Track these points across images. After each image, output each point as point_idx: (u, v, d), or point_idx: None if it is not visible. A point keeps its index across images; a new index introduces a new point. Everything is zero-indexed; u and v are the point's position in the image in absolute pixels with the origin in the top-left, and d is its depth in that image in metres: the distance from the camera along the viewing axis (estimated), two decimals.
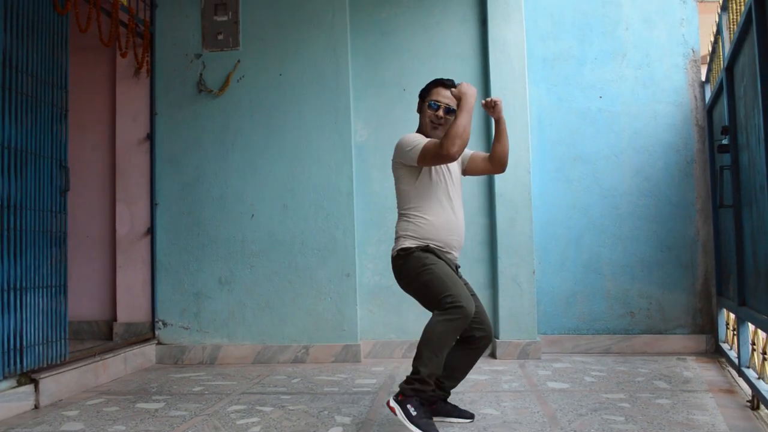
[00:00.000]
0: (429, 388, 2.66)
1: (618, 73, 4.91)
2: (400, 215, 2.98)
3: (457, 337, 2.72)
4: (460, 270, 3.00)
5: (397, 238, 2.94)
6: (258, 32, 4.86)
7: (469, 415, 2.96)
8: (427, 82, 3.04)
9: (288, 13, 4.84)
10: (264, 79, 4.83)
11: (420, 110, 3.03)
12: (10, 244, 3.28)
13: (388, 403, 2.69)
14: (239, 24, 4.85)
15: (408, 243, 2.86)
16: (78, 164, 4.87)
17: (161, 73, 4.93)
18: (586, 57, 4.94)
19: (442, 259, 2.83)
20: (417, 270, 2.79)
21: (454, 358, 2.90)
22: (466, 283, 2.92)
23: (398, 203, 3.01)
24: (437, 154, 2.73)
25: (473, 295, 2.90)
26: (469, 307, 2.62)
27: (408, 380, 2.67)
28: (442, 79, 3.00)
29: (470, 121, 2.73)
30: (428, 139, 2.85)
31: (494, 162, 3.07)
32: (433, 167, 2.90)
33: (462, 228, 2.97)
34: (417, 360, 2.65)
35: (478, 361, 4.40)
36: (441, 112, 2.92)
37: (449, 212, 2.91)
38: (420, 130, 3.01)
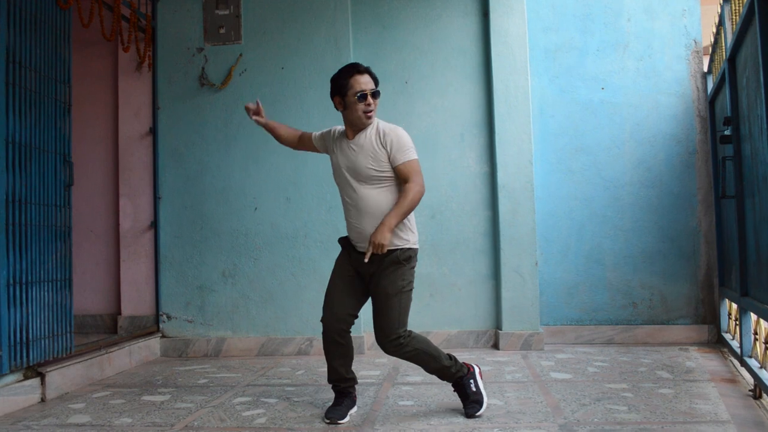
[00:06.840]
0: (336, 386, 3.06)
1: (620, 64, 4.90)
2: None
3: (336, 343, 2.99)
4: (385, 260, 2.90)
5: None
6: (260, 26, 4.85)
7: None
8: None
9: (290, 6, 4.83)
10: (266, 73, 4.83)
11: (343, 106, 2.96)
12: (15, 238, 3.30)
13: None
14: (241, 18, 4.85)
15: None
16: (81, 159, 4.85)
17: (163, 68, 4.93)
18: (588, 48, 4.94)
19: (353, 256, 3.01)
20: None
21: None
22: (371, 278, 2.96)
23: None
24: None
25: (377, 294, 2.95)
26: (327, 319, 2.98)
27: None
28: (354, 64, 2.97)
29: None
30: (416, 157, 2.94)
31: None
32: (334, 157, 3.13)
33: (366, 222, 2.92)
34: None
35: (482, 352, 4.47)
36: (370, 99, 2.91)
37: (350, 204, 3.03)
38: (348, 125, 3.01)
